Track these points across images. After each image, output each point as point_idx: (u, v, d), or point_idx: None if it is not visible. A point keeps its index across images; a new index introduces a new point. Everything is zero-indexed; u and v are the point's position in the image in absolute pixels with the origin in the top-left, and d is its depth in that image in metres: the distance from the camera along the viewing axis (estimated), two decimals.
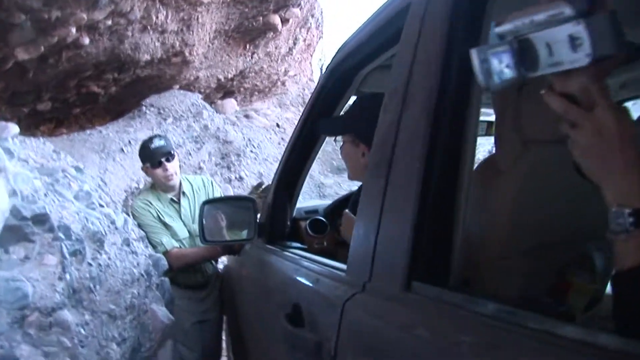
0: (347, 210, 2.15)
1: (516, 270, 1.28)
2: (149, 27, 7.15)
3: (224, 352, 3.45)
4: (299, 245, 2.15)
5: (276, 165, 8.31)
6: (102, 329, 2.00)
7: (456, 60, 1.02)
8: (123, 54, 7.19)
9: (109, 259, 2.23)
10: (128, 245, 2.45)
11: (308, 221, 2.49)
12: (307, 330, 1.32)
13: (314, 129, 2.04)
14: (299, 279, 1.57)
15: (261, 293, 2.08)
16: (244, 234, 2.60)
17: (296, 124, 2.17)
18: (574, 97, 0.70)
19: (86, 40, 6.43)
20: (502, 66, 0.73)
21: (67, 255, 1.98)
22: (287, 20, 10.40)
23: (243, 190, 8.94)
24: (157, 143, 3.17)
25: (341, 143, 1.82)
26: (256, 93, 13.09)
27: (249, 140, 10.00)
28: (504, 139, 1.27)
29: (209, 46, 8.84)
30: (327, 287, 1.28)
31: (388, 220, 1.07)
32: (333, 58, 1.87)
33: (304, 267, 1.60)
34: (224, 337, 3.43)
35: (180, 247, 3.13)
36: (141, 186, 6.71)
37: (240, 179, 9.06)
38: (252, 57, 10.79)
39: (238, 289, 2.70)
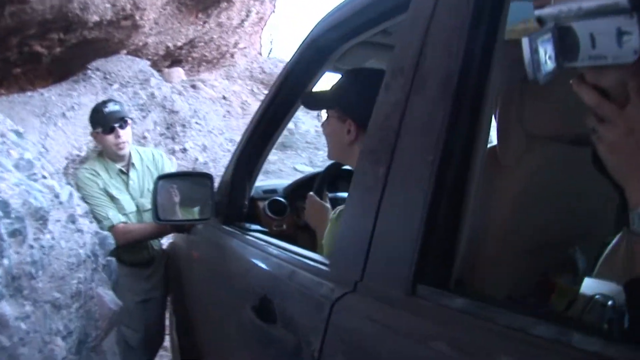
0: (311, 193, 2.04)
1: (509, 271, 1.22)
2: None
3: (167, 331, 3.28)
4: (260, 228, 2.01)
5: (221, 138, 8.11)
6: (45, 321, 1.76)
7: (481, 39, 0.91)
8: (71, 13, 6.81)
9: (53, 239, 1.96)
10: (73, 222, 2.18)
11: (267, 201, 2.35)
12: (279, 327, 1.19)
13: (286, 103, 1.90)
14: (268, 268, 1.43)
15: (218, 278, 1.93)
16: (196, 211, 2.44)
17: (265, 96, 2.01)
18: (606, 91, 0.67)
19: None
20: (547, 57, 0.68)
21: (5, 237, 1.72)
22: None
23: (186, 163, 8.68)
24: (111, 107, 2.96)
25: (324, 119, 1.69)
26: (204, 63, 12.79)
27: (195, 111, 9.71)
28: (507, 132, 1.19)
29: (160, 12, 8.49)
30: (307, 282, 1.14)
31: (389, 213, 0.95)
32: (313, 29, 1.72)
33: (272, 255, 1.46)
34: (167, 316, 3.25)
35: (126, 221, 2.94)
36: (83, 154, 6.37)
37: (185, 150, 8.78)
38: (203, 27, 10.50)
39: (187, 269, 2.54)
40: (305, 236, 2.29)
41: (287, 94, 1.90)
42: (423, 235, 0.86)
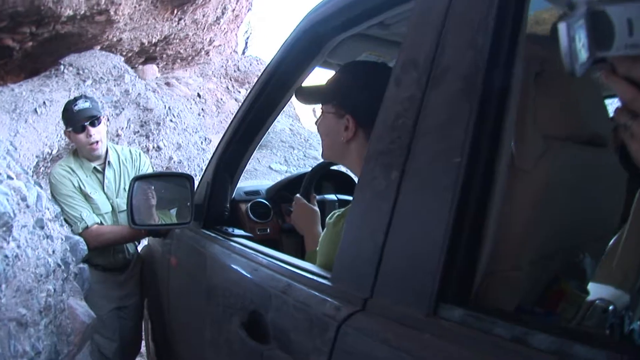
0: (298, 196, 1.92)
1: (524, 279, 1.13)
2: None
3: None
4: (243, 233, 1.88)
5: (195, 136, 7.96)
6: (9, 342, 1.55)
7: (507, 29, 0.81)
8: (44, 6, 6.55)
9: (18, 247, 1.75)
10: (42, 227, 1.99)
11: (249, 204, 2.23)
12: (274, 347, 1.08)
13: (273, 100, 1.78)
14: (257, 280, 1.30)
15: (199, 288, 1.79)
16: (173, 214, 2.30)
17: (249, 92, 1.87)
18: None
19: None
20: (580, 45, 0.60)
21: None
22: None
23: (160, 162, 8.48)
24: (81, 105, 2.77)
25: (318, 116, 1.57)
26: (179, 61, 12.59)
27: (169, 109, 9.50)
28: (522, 133, 1.09)
29: (135, 7, 8.27)
30: (306, 297, 1.02)
31: (405, 222, 0.85)
32: (303, 21, 1.60)
33: (261, 264, 1.34)
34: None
35: (101, 222, 2.77)
36: (55, 152, 6.14)
37: (159, 149, 8.58)
38: (178, 23, 10.30)
39: (164, 276, 2.39)
40: (290, 241, 2.18)
41: (273, 90, 1.78)
42: (448, 246, 0.76)
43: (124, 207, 2.85)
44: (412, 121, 0.88)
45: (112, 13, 7.64)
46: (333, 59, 1.80)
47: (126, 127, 8.16)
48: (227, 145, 1.95)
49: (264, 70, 1.80)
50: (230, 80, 14.46)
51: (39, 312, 1.75)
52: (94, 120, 2.76)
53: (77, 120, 2.73)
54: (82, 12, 7.16)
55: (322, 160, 2.27)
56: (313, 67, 1.73)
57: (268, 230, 2.19)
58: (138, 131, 8.38)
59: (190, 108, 11.57)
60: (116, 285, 2.89)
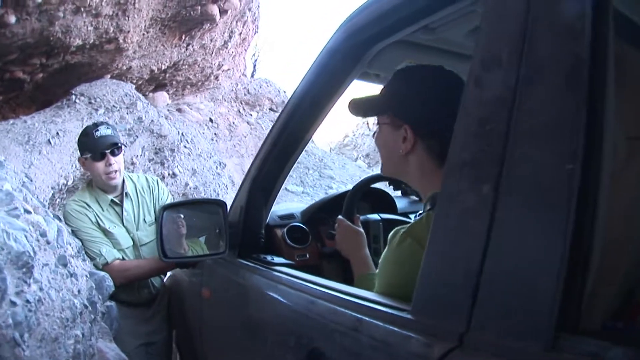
0: (341, 217, 1.80)
1: (615, 296, 1.00)
2: (82, 9, 6.42)
3: None
4: (284, 261, 1.75)
5: (210, 161, 7.89)
6: None
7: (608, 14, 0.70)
8: (53, 36, 6.44)
9: (41, 289, 1.56)
10: (65, 265, 1.79)
11: (285, 229, 2.10)
12: None
13: (307, 118, 1.67)
14: (315, 314, 1.16)
15: (241, 322, 1.66)
16: (202, 242, 2.17)
17: (281, 111, 1.75)
18: None
19: (12, 19, 5.71)
20: None
21: None
22: (226, 12, 9.94)
23: (176, 188, 8.40)
24: (103, 131, 2.61)
25: (376, 130, 1.45)
26: (188, 87, 12.58)
27: (183, 135, 9.43)
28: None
29: (143, 34, 8.22)
30: (384, 335, 0.89)
31: (509, 242, 0.73)
32: (340, 29, 1.49)
33: (318, 296, 1.20)
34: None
35: (122, 258, 2.61)
36: (70, 183, 6.04)
37: (174, 175, 8.49)
38: (186, 49, 10.28)
39: (196, 309, 2.25)
40: (332, 266, 2.04)
41: (309, 106, 1.66)
42: (568, 267, 0.65)
43: (146, 240, 2.73)
44: (504, 126, 0.76)
45: (120, 41, 7.58)
46: (371, 70, 1.68)
47: (141, 155, 8.08)
48: (261, 166, 1.83)
49: (297, 86, 1.68)
50: (241, 103, 14.43)
51: None
52: (115, 149, 2.62)
53: (97, 147, 2.59)
54: (91, 41, 7.09)
55: (368, 175, 2.16)
56: (352, 80, 1.61)
57: (307, 256, 2.05)
58: (153, 158, 8.30)
59: (203, 133, 11.51)
60: (143, 321, 2.75)
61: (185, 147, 9.24)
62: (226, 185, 9.85)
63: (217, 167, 9.91)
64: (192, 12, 8.90)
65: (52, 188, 6.22)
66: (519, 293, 0.70)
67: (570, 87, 0.70)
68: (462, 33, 1.51)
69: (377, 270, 1.28)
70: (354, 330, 0.97)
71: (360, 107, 1.46)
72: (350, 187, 2.35)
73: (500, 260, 0.73)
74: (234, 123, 13.43)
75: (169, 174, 8.39)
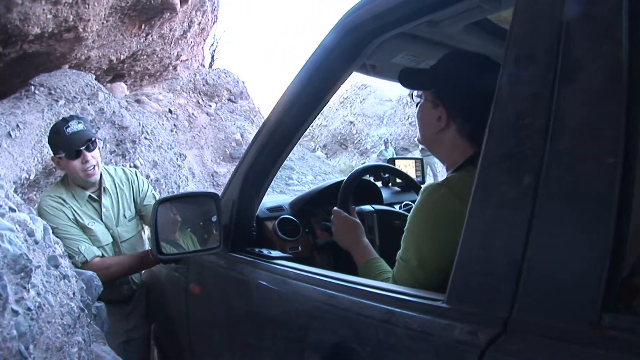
0: (337, 209, 1.81)
1: None
2: None
3: None
4: (280, 254, 1.74)
5: (170, 153, 7.75)
6: None
7: None
8: (10, 24, 6.22)
9: (38, 294, 1.42)
10: (56, 266, 1.66)
11: (276, 221, 2.09)
12: None
13: (306, 107, 1.65)
14: (337, 309, 1.15)
15: (243, 319, 1.64)
16: (192, 236, 2.12)
17: (279, 100, 1.72)
18: None
19: None
20: None
21: None
22: (187, 1, 9.76)
23: None
24: (74, 126, 2.48)
25: (418, 101, 1.48)
26: (147, 77, 12.36)
27: (143, 126, 9.26)
28: None
29: (103, 23, 8.01)
30: (422, 325, 0.89)
31: (552, 232, 0.76)
32: (343, 20, 1.48)
33: (337, 290, 1.18)
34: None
35: (102, 255, 2.53)
36: (32, 177, 5.84)
37: (135, 167, 8.34)
38: (145, 39, 10.09)
39: (179, 304, 2.21)
40: (323, 258, 2.04)
41: (307, 98, 1.65)
42: (612, 252, 0.69)
43: (126, 236, 2.68)
44: (543, 121, 0.78)
45: (80, 30, 7.36)
46: (368, 61, 1.69)
47: (102, 147, 7.89)
48: (254, 159, 1.81)
49: (292, 81, 1.67)
50: (200, 94, 14.26)
51: None
52: (89, 144, 2.50)
53: (72, 145, 2.46)
54: (50, 29, 6.86)
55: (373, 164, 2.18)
56: (352, 71, 1.61)
57: (299, 248, 2.05)
58: (114, 150, 8.13)
59: (163, 124, 11.35)
60: (123, 318, 2.70)
61: (145, 138, 9.08)
62: (187, 177, 9.74)
63: (177, 159, 9.79)
64: (152, 1, 8.73)
65: (14, 183, 6.01)
66: (563, 278, 0.73)
67: (609, 83, 0.72)
68: (461, 27, 1.53)
69: (406, 227, 1.30)
70: (386, 322, 0.97)
71: (410, 79, 1.49)
72: (333, 179, 2.36)
73: (543, 248, 0.76)
74: (193, 114, 13.27)
75: (130, 167, 8.23)
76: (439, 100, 1.37)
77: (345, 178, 2.00)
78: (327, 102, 1.69)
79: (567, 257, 0.73)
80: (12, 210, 1.64)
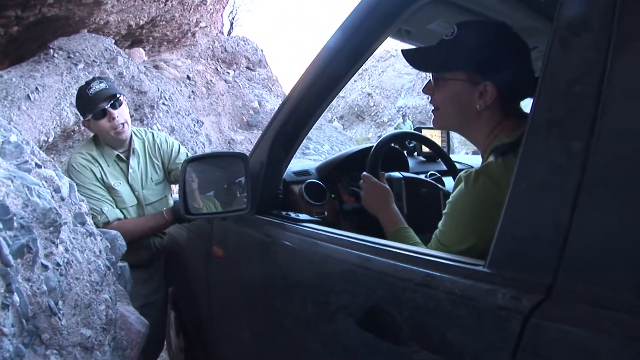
0: (367, 174, 1.80)
1: None
2: None
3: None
4: (309, 217, 1.74)
5: (188, 119, 7.76)
6: None
7: None
8: None
9: (67, 251, 1.40)
10: (83, 223, 1.63)
11: (303, 185, 2.09)
12: (419, 349, 0.96)
13: (339, 71, 1.63)
14: (372, 272, 1.15)
15: (270, 283, 1.64)
16: (214, 198, 2.12)
17: (307, 67, 1.70)
18: None
19: None
20: None
21: (9, 259, 1.15)
22: None
23: None
24: (96, 86, 2.48)
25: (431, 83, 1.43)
26: (165, 43, 12.33)
27: (161, 92, 9.27)
28: None
29: None
30: (463, 289, 0.89)
31: (603, 199, 0.75)
32: None
33: (375, 254, 1.18)
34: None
35: (125, 217, 2.55)
36: (50, 139, 5.87)
37: None
38: (165, 4, 10.04)
39: (199, 267, 2.24)
40: (349, 224, 2.04)
41: (337, 65, 1.62)
42: None
43: (152, 199, 2.68)
44: (595, 88, 0.77)
45: None
46: (405, 26, 1.67)
47: None
48: (284, 121, 1.79)
49: (327, 42, 1.64)
50: (218, 61, 14.22)
51: (102, 329, 1.49)
52: (114, 102, 2.50)
53: (95, 104, 2.46)
54: None
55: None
56: (387, 36, 1.59)
57: (325, 213, 2.05)
58: (133, 115, 8.14)
59: (181, 90, 11.35)
60: (141, 282, 2.68)
61: (164, 104, 9.10)
62: (204, 143, 9.76)
63: (194, 125, 9.80)
64: None
65: None
66: (609, 246, 0.73)
67: None
68: None
69: (445, 211, 1.29)
70: (425, 286, 0.97)
71: (423, 60, 1.46)
72: (362, 145, 2.34)
73: (591, 215, 0.75)
74: (211, 81, 13.25)
75: None
76: (479, 77, 1.30)
77: (374, 144, 1.99)
78: (361, 66, 1.66)
79: (615, 225, 0.73)
80: (38, 166, 1.64)
